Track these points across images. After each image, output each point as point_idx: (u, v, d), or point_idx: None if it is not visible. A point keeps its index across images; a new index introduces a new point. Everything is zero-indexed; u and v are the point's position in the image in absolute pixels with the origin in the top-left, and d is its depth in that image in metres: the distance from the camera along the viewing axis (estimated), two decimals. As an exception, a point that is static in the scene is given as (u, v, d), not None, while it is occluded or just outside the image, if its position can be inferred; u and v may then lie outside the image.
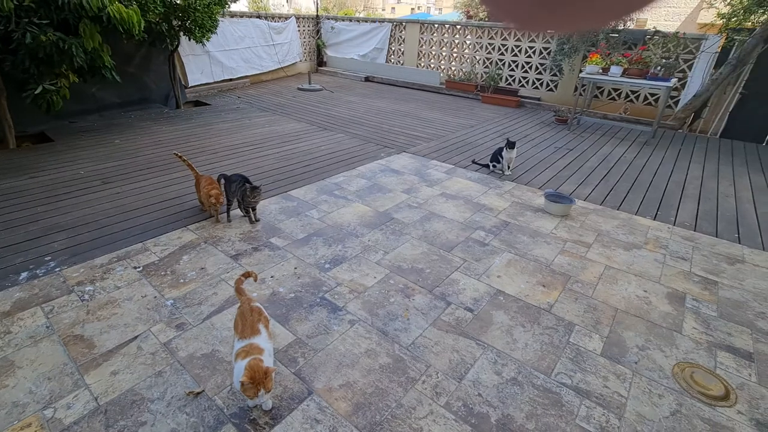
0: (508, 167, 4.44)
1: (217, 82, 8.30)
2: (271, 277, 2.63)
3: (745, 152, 5.66)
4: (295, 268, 2.73)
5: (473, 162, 4.81)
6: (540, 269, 2.82)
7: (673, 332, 2.30)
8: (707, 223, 3.58)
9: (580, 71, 6.92)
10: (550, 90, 7.95)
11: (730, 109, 6.28)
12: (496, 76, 8.29)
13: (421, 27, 9.51)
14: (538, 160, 4.99)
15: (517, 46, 8.12)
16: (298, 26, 10.24)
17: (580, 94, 6.98)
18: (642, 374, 2.01)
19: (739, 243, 3.28)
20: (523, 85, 8.27)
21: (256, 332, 1.65)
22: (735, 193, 4.25)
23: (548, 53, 7.73)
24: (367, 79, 10.12)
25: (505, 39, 8.24)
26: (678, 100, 6.69)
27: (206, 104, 7.25)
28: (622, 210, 3.77)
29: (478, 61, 8.76)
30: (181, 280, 2.55)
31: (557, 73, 7.71)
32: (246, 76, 8.93)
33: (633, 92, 7.07)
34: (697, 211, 3.80)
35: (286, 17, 9.93)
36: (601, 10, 0.20)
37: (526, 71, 8.17)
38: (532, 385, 1.92)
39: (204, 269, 2.66)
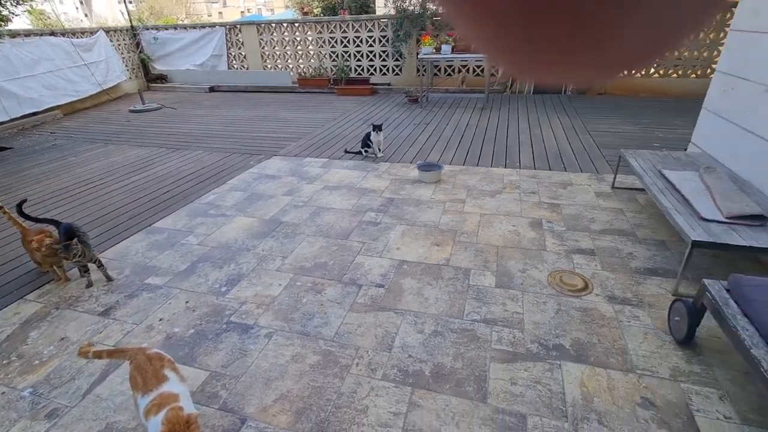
0: (379, 149, 4.67)
1: (15, 119, 6.66)
2: (160, 320, 2.29)
3: (552, 102, 7.05)
4: (187, 302, 2.43)
5: (346, 151, 4.92)
6: (431, 232, 3.08)
7: (540, 251, 2.77)
8: (542, 161, 4.38)
9: (418, 54, 7.62)
10: (397, 74, 8.56)
11: (534, 70, 7.71)
12: (345, 67, 8.55)
13: (258, 28, 9.16)
14: (403, 138, 5.37)
15: (357, 37, 8.48)
16: (111, 41, 8.82)
17: (422, 74, 7.70)
18: (528, 291, 2.39)
19: (566, 171, 4.10)
20: (372, 73, 8.71)
21: (163, 379, 1.42)
22: (553, 134, 5.28)
23: (387, 40, 8.27)
24: (212, 90, 9.35)
25: (344, 31, 8.52)
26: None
27: (6, 148, 5.76)
28: (480, 165, 4.34)
29: (325, 56, 8.88)
30: (36, 361, 2.02)
31: (399, 58, 8.33)
32: (56, 107, 7.36)
33: (463, 66, 8.10)
34: (533, 154, 4.61)
35: (92, 31, 8.47)
36: (614, 63, 0.17)
37: (371, 60, 8.61)
38: (451, 330, 2.11)
39: (66, 338, 2.17)
